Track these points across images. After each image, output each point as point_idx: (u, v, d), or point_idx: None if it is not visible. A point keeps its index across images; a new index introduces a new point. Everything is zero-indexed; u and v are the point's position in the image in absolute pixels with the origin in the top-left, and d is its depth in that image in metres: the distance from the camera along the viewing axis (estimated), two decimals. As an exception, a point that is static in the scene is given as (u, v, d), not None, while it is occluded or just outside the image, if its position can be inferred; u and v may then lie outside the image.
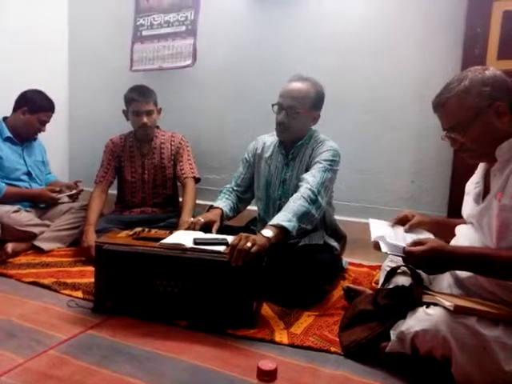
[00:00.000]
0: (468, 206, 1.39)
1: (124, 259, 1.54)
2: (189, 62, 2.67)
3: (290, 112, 1.79)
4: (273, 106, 1.84)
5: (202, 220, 1.75)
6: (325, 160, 1.77)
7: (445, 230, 1.52)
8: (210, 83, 2.74)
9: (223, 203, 1.91)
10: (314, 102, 1.82)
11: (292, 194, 1.71)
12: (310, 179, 1.71)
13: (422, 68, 2.22)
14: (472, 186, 1.39)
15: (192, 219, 1.78)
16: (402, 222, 1.57)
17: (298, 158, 1.88)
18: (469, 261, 1.19)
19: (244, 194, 2.02)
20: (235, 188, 2.01)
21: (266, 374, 0.78)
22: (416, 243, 1.27)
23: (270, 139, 1.99)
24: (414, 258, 1.24)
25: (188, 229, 1.72)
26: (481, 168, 1.38)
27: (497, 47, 1.99)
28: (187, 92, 2.81)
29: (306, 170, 1.81)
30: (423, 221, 1.54)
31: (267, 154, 1.96)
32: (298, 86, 1.81)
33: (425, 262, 1.23)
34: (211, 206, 1.91)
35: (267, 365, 0.79)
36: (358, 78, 2.35)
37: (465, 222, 1.43)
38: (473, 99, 1.21)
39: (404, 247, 1.27)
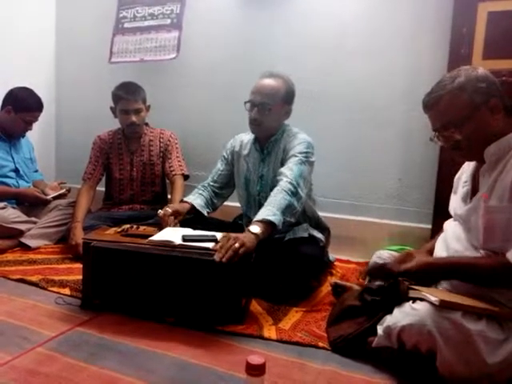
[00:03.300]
0: (456, 204, 1.41)
1: (112, 256, 1.53)
2: (173, 55, 2.65)
3: (262, 108, 1.82)
4: (245, 103, 1.87)
5: (170, 210, 1.78)
6: (299, 153, 1.80)
7: None
8: (198, 80, 2.73)
9: (193, 197, 1.96)
10: (284, 97, 1.85)
11: (270, 189, 1.74)
12: (288, 173, 1.73)
13: (408, 67, 2.24)
14: (460, 184, 1.41)
15: (160, 211, 1.79)
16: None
17: (273, 153, 1.91)
18: (451, 271, 1.25)
19: (220, 190, 2.05)
20: (211, 183, 2.03)
21: (254, 369, 0.79)
22: (399, 260, 1.33)
23: (247, 137, 2.01)
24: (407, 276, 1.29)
25: (163, 222, 1.75)
26: (469, 167, 1.39)
27: (482, 47, 2.02)
28: (175, 88, 2.79)
29: (281, 165, 1.83)
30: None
31: (245, 152, 1.98)
32: (268, 82, 1.84)
33: (416, 277, 1.29)
34: (181, 201, 1.96)
35: (256, 359, 0.80)
36: (345, 77, 2.36)
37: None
38: (469, 95, 1.21)
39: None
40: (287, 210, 1.63)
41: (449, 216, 1.48)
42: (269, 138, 1.90)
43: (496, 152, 1.22)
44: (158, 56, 2.69)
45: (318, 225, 1.99)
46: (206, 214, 1.92)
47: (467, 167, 1.42)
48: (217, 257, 1.41)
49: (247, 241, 1.46)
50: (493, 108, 1.22)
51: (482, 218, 1.22)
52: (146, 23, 2.76)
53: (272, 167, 1.89)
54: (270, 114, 1.82)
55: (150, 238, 1.56)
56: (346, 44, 2.35)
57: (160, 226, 1.78)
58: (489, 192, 1.22)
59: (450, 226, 1.42)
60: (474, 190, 1.33)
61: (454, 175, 1.80)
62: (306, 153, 1.81)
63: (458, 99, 1.22)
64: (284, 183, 1.68)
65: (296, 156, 1.79)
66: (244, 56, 2.58)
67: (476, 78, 1.22)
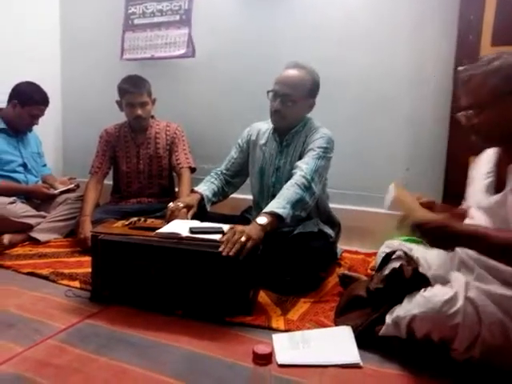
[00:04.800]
0: (477, 196, 1.35)
1: (120, 249, 1.54)
2: (183, 51, 2.65)
3: (286, 100, 1.78)
4: (268, 92, 1.83)
5: (181, 205, 1.76)
6: (318, 147, 1.77)
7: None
8: (203, 73, 2.72)
9: (205, 187, 1.92)
10: (309, 90, 1.81)
11: (285, 182, 1.71)
12: (304, 166, 1.71)
13: (415, 55, 2.21)
14: (480, 175, 1.35)
15: (171, 204, 1.78)
16: (426, 206, 1.44)
17: (291, 146, 1.87)
18: (470, 238, 1.16)
19: (233, 178, 2.02)
20: (224, 171, 2.01)
21: (261, 358, 0.79)
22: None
23: (264, 126, 1.98)
24: (421, 230, 1.21)
25: (170, 216, 1.72)
26: (493, 157, 1.34)
27: (491, 33, 1.99)
28: (181, 82, 2.79)
29: (300, 158, 1.81)
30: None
31: (262, 141, 1.95)
32: (294, 73, 1.80)
33: (431, 236, 1.20)
34: (192, 190, 1.94)
35: (262, 349, 0.80)
36: (351, 66, 2.34)
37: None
38: (497, 81, 1.15)
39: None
40: (298, 204, 1.62)
41: (458, 205, 1.46)
42: (289, 129, 1.87)
43: None
44: (168, 52, 2.69)
45: (329, 219, 1.98)
46: (208, 208, 1.89)
47: (486, 159, 1.37)
48: (223, 250, 1.41)
49: (253, 234, 1.46)
50: None
51: None
52: (156, 19, 2.76)
53: (290, 159, 1.86)
54: (293, 106, 1.79)
55: (158, 231, 1.56)
56: (351, 33, 2.32)
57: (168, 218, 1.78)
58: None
59: (476, 214, 1.35)
60: (499, 181, 1.27)
61: (463, 164, 1.77)
62: (325, 148, 1.78)
63: (485, 83, 1.17)
64: (298, 177, 1.67)
65: (314, 150, 1.76)
66: (249, 48, 2.57)
67: (510, 64, 1.16)
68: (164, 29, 2.73)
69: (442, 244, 1.22)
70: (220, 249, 1.42)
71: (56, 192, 2.44)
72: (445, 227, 1.16)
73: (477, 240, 1.14)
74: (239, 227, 1.48)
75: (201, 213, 1.83)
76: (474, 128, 1.23)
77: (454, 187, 2.10)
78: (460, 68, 1.25)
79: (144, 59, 2.78)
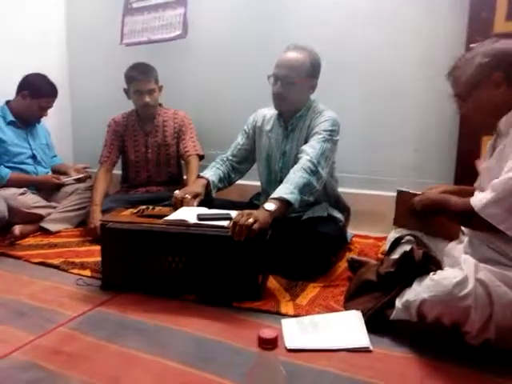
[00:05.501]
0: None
1: (128, 237, 1.54)
2: (178, 32, 2.62)
3: (286, 82, 1.76)
4: (268, 77, 1.80)
5: (189, 196, 1.74)
6: (324, 130, 1.74)
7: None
8: (209, 58, 2.69)
9: (211, 172, 1.92)
10: (309, 71, 1.78)
11: (292, 166, 1.69)
12: (310, 150, 1.68)
13: (425, 35, 2.15)
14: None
15: (177, 192, 1.77)
16: None
17: (297, 130, 1.85)
18: (439, 209, 1.35)
19: (239, 165, 2.01)
20: (230, 157, 2.00)
21: (266, 342, 0.78)
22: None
23: (270, 112, 1.96)
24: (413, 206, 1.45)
25: (175, 205, 1.71)
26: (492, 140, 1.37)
27: (506, 7, 1.91)
28: (187, 68, 2.77)
29: (306, 142, 1.78)
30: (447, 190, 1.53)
31: (268, 127, 1.93)
32: (292, 55, 1.77)
33: (421, 209, 1.42)
34: (198, 176, 1.94)
35: (268, 333, 0.79)
36: (359, 47, 2.29)
37: None
38: (473, 70, 1.26)
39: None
40: (305, 188, 1.60)
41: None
42: (293, 113, 1.85)
43: (504, 125, 1.24)
44: (164, 34, 2.67)
45: (338, 204, 1.96)
46: (214, 194, 1.89)
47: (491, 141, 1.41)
48: (231, 233, 1.41)
49: (261, 217, 1.44)
50: (495, 82, 1.24)
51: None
52: (154, 1, 2.74)
53: (296, 144, 1.84)
54: (294, 88, 1.76)
55: (165, 218, 1.56)
56: (359, 13, 2.26)
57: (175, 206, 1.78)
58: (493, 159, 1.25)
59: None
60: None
61: (475, 146, 1.77)
62: (331, 131, 1.75)
63: (463, 73, 1.29)
64: (304, 161, 1.65)
65: (320, 134, 1.74)
66: (255, 32, 2.53)
67: (483, 53, 1.25)
68: (161, 10, 2.71)
69: (424, 214, 1.43)
70: (228, 232, 1.42)
71: (65, 180, 2.45)
72: (422, 201, 1.42)
73: (442, 208, 1.32)
74: (246, 211, 1.47)
75: (206, 199, 1.83)
76: (466, 114, 1.36)
77: (467, 169, 2.05)
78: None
79: (141, 43, 2.76)
